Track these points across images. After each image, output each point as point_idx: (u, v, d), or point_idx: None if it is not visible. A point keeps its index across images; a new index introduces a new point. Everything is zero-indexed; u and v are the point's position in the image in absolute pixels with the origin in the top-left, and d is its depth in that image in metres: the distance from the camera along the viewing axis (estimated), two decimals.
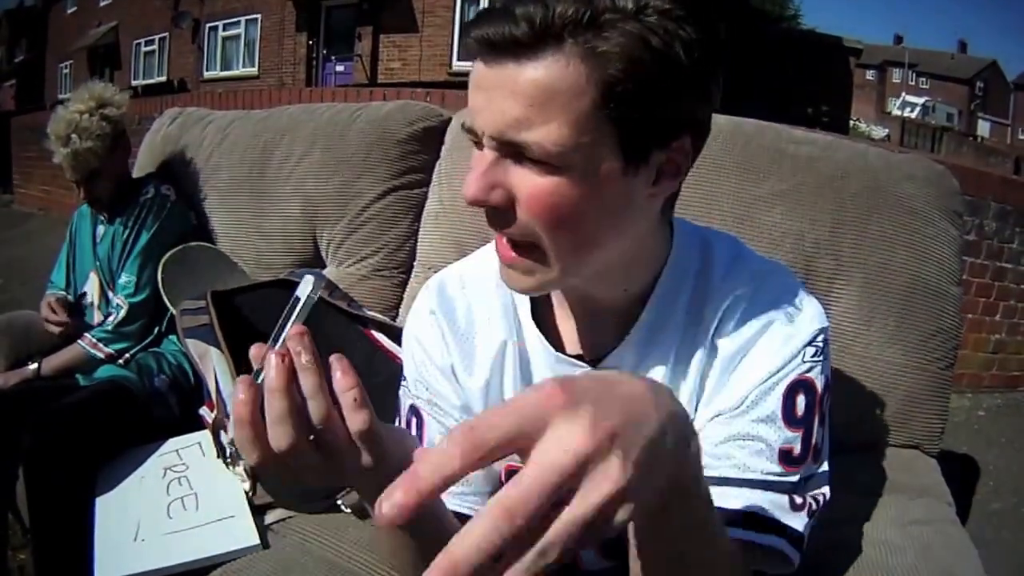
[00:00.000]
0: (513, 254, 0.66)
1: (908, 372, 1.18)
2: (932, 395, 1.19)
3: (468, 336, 0.80)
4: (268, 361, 0.53)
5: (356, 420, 0.55)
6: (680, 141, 0.63)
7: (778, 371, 0.71)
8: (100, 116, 1.69)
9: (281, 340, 0.54)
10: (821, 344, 0.73)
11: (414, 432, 0.82)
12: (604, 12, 0.57)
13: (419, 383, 0.82)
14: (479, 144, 0.64)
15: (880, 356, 1.18)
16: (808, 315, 0.73)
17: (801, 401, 0.71)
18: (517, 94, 0.59)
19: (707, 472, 0.70)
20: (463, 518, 0.75)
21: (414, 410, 0.82)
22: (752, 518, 0.69)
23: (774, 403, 0.71)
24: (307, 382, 0.54)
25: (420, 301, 0.85)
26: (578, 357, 0.77)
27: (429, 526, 0.67)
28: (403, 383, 0.86)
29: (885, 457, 1.17)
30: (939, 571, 0.88)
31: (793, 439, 0.71)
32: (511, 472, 0.80)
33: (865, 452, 1.16)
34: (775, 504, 0.70)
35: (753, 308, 0.73)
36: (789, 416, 0.71)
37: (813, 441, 0.72)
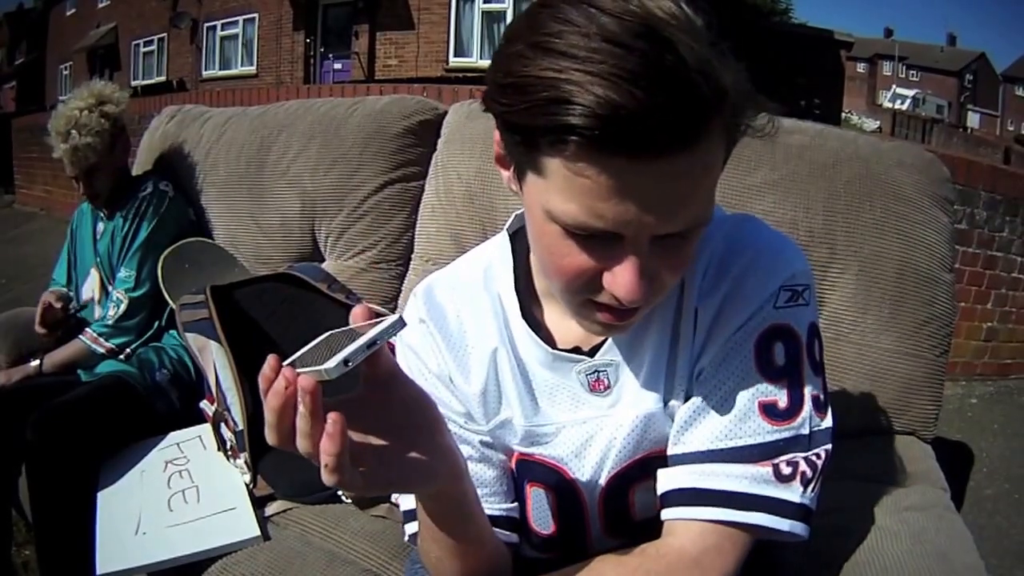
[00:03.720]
0: (633, 318, 0.64)
1: (903, 359, 1.19)
2: (927, 381, 1.19)
3: (461, 343, 0.77)
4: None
5: (327, 478, 0.51)
6: None
7: (746, 322, 0.68)
8: (99, 113, 1.70)
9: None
10: (797, 288, 0.69)
11: None
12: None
13: None
14: (593, 236, 0.56)
15: (875, 343, 1.19)
16: (779, 260, 0.70)
17: (779, 350, 0.68)
18: (689, 186, 0.54)
19: (686, 448, 0.69)
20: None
21: None
22: (731, 496, 0.67)
23: (745, 356, 0.68)
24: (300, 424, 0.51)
25: (409, 310, 0.80)
26: (574, 350, 0.74)
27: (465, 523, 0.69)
28: None
29: (881, 443, 1.18)
30: (934, 556, 0.88)
31: (774, 391, 0.67)
32: (521, 461, 0.79)
33: (861, 438, 1.16)
34: (756, 478, 0.66)
35: (726, 264, 0.70)
36: (766, 367, 0.68)
37: (806, 391, 0.68)
